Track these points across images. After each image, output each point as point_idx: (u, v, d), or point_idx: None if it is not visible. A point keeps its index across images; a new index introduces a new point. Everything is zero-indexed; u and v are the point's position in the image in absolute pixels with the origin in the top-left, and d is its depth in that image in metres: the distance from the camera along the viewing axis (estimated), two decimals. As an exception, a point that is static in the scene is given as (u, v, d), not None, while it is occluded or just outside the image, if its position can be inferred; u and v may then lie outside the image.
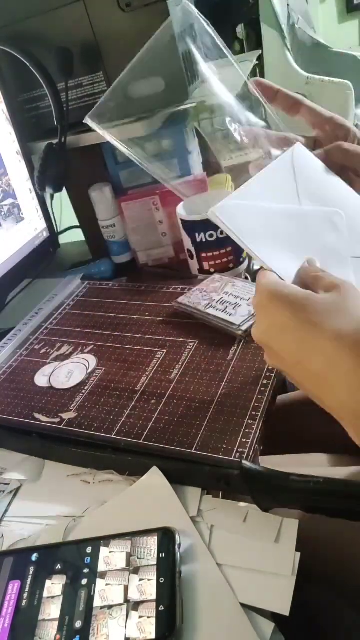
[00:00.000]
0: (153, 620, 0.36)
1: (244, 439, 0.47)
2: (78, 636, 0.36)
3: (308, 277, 0.40)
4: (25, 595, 0.39)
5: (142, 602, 0.37)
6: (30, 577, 0.40)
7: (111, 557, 0.40)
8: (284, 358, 0.38)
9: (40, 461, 0.53)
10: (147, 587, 0.38)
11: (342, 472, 0.54)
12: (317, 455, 0.59)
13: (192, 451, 0.47)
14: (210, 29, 0.50)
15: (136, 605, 0.37)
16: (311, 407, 0.38)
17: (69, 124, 0.72)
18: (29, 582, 0.40)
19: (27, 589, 0.40)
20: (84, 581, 0.39)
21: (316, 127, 0.50)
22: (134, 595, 0.38)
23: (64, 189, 0.79)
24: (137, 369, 0.59)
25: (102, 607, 0.37)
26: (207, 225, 0.71)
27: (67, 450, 0.51)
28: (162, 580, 0.38)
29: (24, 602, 0.39)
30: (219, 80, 0.50)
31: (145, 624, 0.36)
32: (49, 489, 0.50)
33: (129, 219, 0.81)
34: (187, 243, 0.75)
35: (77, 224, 0.91)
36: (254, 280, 0.74)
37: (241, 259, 0.76)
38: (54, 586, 0.39)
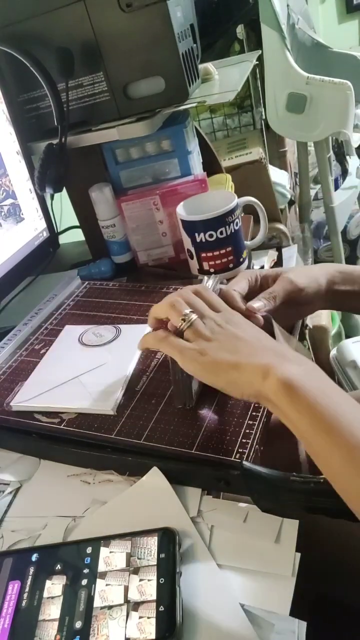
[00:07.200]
0: (153, 621, 0.36)
1: (244, 439, 0.47)
2: (78, 636, 0.36)
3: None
4: (25, 595, 0.39)
5: (142, 602, 0.37)
6: (30, 577, 0.40)
7: (111, 557, 0.40)
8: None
9: (35, 460, 0.53)
10: (147, 587, 0.38)
11: None
12: None
13: (193, 451, 0.47)
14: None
15: (136, 606, 0.37)
16: None
17: (69, 124, 0.72)
18: (29, 583, 0.40)
19: (27, 589, 0.40)
20: (84, 581, 0.39)
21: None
22: (134, 596, 0.38)
23: (64, 189, 0.79)
24: (137, 369, 0.59)
25: (102, 608, 0.37)
26: (207, 225, 0.71)
27: (67, 451, 0.51)
28: (162, 580, 0.38)
29: (23, 603, 0.39)
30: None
31: (145, 624, 0.36)
32: (49, 489, 0.50)
33: (129, 219, 0.81)
34: (187, 243, 0.75)
35: (77, 224, 0.90)
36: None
37: (241, 259, 0.75)
38: (54, 586, 0.39)
